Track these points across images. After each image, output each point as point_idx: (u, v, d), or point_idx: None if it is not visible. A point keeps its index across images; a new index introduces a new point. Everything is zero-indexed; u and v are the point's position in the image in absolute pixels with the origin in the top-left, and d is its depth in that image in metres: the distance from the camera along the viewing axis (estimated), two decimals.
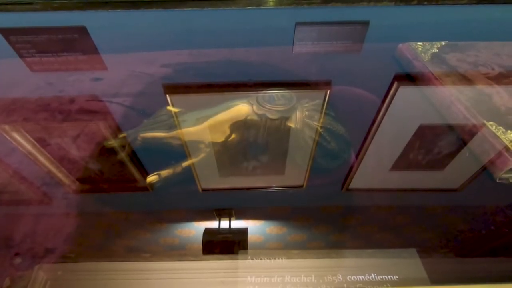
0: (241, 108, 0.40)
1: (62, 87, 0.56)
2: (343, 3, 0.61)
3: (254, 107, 0.39)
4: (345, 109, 0.49)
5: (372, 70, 0.60)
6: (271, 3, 0.62)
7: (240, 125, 0.40)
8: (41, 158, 0.43)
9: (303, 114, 0.39)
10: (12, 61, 0.61)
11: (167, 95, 0.51)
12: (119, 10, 0.63)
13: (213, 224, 0.37)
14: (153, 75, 0.59)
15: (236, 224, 0.37)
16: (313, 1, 0.61)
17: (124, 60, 0.64)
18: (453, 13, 0.65)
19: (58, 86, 0.56)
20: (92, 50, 0.63)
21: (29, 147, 0.45)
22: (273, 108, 0.39)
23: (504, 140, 0.39)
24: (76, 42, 0.63)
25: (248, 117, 0.39)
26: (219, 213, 0.38)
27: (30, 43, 0.62)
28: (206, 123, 0.40)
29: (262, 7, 0.63)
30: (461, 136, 0.44)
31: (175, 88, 0.56)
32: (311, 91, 0.54)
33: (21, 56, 0.61)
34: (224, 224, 0.37)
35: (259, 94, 0.41)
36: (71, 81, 0.57)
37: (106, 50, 0.63)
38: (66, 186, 0.40)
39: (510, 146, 0.39)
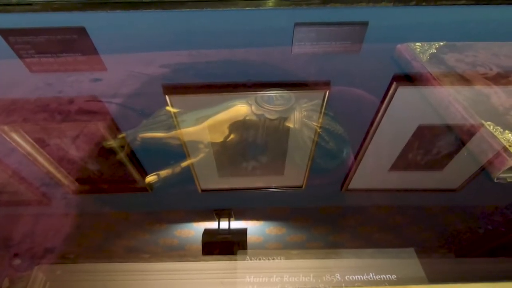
0: (240, 108, 0.40)
1: (61, 87, 0.56)
2: (341, 4, 0.61)
3: (253, 107, 0.39)
4: (344, 109, 0.49)
5: (371, 70, 0.60)
6: (270, 4, 0.63)
7: (239, 125, 0.40)
8: (40, 159, 0.43)
9: (301, 114, 0.39)
10: (12, 62, 0.61)
11: (166, 96, 0.51)
12: (118, 10, 0.63)
13: (212, 225, 0.37)
14: (152, 76, 0.59)
15: (236, 224, 0.37)
16: (312, 2, 0.61)
17: (123, 61, 0.64)
18: (452, 13, 0.65)
19: (57, 87, 0.56)
20: (91, 50, 0.63)
21: (28, 147, 0.45)
22: (271, 109, 0.39)
23: (502, 140, 0.39)
24: (75, 43, 0.63)
25: (247, 117, 0.40)
26: (219, 214, 0.38)
27: (29, 44, 0.62)
28: (205, 123, 0.40)
29: (261, 8, 0.63)
30: (460, 136, 0.44)
31: (174, 89, 0.56)
32: (310, 91, 0.54)
33: (20, 56, 0.61)
34: (224, 224, 0.37)
35: (257, 95, 0.41)
36: (70, 81, 0.57)
37: (105, 50, 0.63)
38: (65, 187, 0.41)
39: (507, 146, 0.39)
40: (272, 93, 0.42)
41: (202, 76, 0.60)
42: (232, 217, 0.38)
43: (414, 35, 0.61)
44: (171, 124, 0.41)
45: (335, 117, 0.41)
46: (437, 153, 0.44)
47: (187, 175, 0.40)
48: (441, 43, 0.57)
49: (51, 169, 0.42)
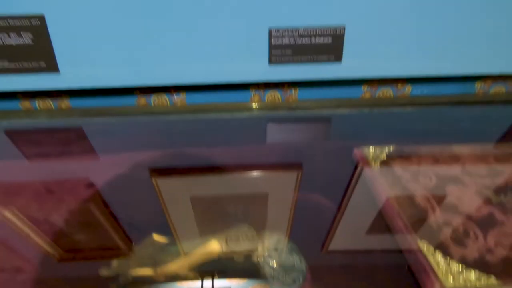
0: (212, 246, 0.47)
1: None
2: (305, 109, 0.69)
3: (223, 246, 0.47)
4: (310, 219, 0.55)
5: (333, 168, 0.66)
6: (245, 112, 0.70)
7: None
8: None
9: (263, 253, 0.46)
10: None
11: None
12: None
13: (195, 285, 0.38)
14: (139, 177, 0.64)
15: (219, 283, 0.39)
16: (280, 110, 0.69)
17: (115, 163, 0.70)
18: (401, 116, 0.72)
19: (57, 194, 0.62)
20: (86, 152, 0.69)
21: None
22: (238, 248, 0.46)
23: (432, 262, 0.44)
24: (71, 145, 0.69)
25: (218, 256, 0.46)
26: (201, 273, 0.40)
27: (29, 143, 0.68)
28: (181, 260, 0.45)
29: (236, 114, 0.70)
30: (402, 251, 0.49)
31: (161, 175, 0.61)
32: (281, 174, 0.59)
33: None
34: (207, 284, 0.38)
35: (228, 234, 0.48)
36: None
37: (101, 152, 0.69)
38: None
39: (436, 269, 0.43)
40: (240, 231, 0.49)
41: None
42: (215, 276, 0.39)
43: (369, 137, 0.67)
44: (157, 259, 0.46)
45: (296, 248, 0.48)
46: None
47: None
48: (391, 148, 0.63)
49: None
